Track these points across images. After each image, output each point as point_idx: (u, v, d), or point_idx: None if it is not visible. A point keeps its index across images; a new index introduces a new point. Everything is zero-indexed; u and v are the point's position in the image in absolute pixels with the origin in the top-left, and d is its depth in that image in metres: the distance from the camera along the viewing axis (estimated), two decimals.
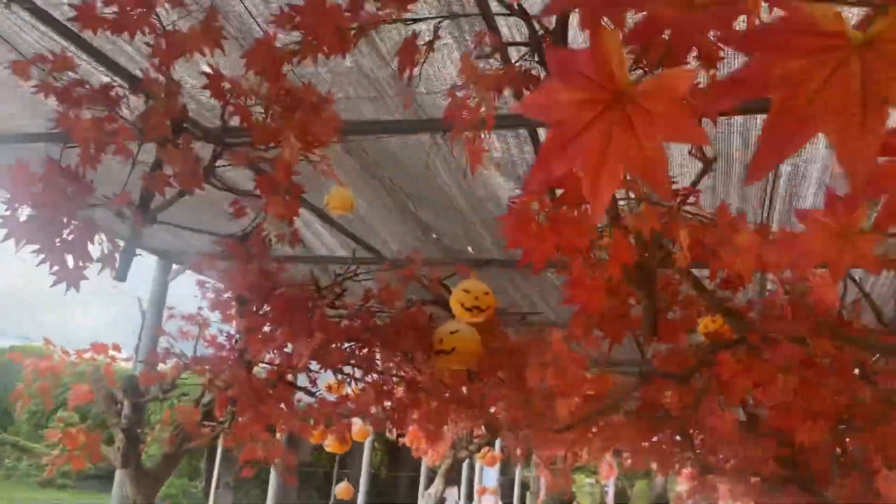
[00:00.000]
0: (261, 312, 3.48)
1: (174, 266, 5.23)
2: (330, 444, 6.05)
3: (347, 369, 3.98)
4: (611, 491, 21.18)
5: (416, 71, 1.78)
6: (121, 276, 2.19)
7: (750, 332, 2.32)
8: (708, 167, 1.69)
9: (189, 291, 4.19)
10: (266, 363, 3.87)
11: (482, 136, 1.70)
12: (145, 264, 5.24)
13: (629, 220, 1.49)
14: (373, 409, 4.00)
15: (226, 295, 3.76)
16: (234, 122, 2.16)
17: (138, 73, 2.58)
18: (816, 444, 2.28)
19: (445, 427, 9.38)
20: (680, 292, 2.57)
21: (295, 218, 2.28)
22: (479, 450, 9.15)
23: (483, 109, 1.70)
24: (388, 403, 3.95)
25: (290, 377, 3.86)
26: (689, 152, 1.88)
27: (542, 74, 1.66)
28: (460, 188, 3.76)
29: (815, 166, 3.32)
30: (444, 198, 3.98)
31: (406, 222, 4.39)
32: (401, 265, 3.36)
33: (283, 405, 3.78)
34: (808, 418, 2.12)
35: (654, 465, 6.89)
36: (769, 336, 2.15)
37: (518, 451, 9.98)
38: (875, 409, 2.30)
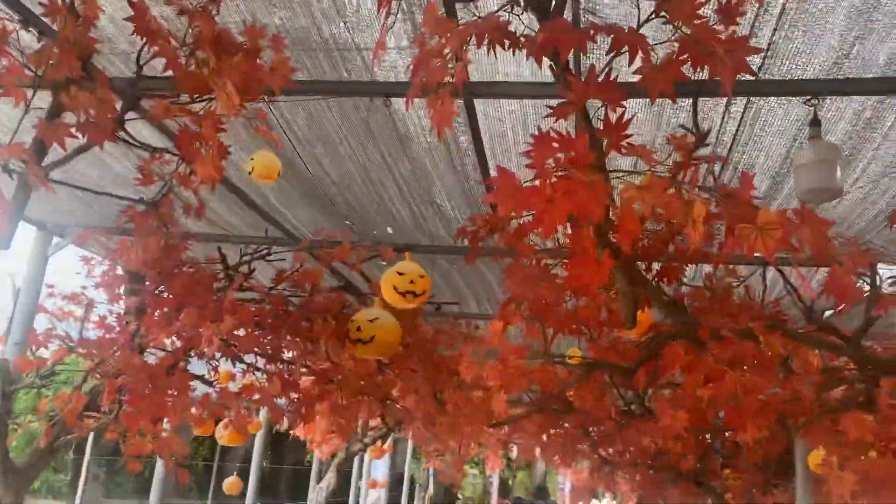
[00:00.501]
0: (160, 292, 3.14)
1: (55, 239, 4.72)
2: (224, 437, 5.68)
3: (249, 358, 3.70)
4: (495, 482, 21.48)
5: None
6: (4, 243, 1.86)
7: (691, 326, 2.25)
8: (701, 141, 1.58)
9: (71, 268, 3.77)
10: (159, 348, 3.53)
11: (450, 97, 1.51)
12: (19, 236, 4.72)
13: (632, 192, 1.35)
14: (277, 401, 3.74)
15: (116, 272, 3.39)
16: (152, 68, 1.87)
17: (32, 6, 2.21)
18: (755, 439, 2.24)
19: (342, 420, 9.14)
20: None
21: (217, 183, 2.01)
22: (373, 443, 8.96)
23: (452, 66, 1.52)
24: (294, 395, 3.70)
25: (186, 364, 3.54)
26: (681, 125, 1.76)
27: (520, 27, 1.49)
28: (387, 167, 3.54)
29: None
30: (365, 178, 3.75)
31: (317, 204, 4.12)
32: (319, 245, 3.12)
33: (178, 395, 3.46)
34: (753, 415, 2.07)
35: (556, 458, 6.93)
36: (717, 331, 2.09)
37: (432, 447, 9.87)
38: (814, 406, 2.29)
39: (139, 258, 2.89)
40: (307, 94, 2.89)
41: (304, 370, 3.65)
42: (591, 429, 6.41)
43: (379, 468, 12.57)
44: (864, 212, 3.79)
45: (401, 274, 2.84)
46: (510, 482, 32.50)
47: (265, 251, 3.20)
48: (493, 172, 3.00)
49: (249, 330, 2.98)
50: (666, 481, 6.20)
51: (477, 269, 4.68)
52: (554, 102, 1.50)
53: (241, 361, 3.65)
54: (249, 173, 2.89)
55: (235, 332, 2.87)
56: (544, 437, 6.82)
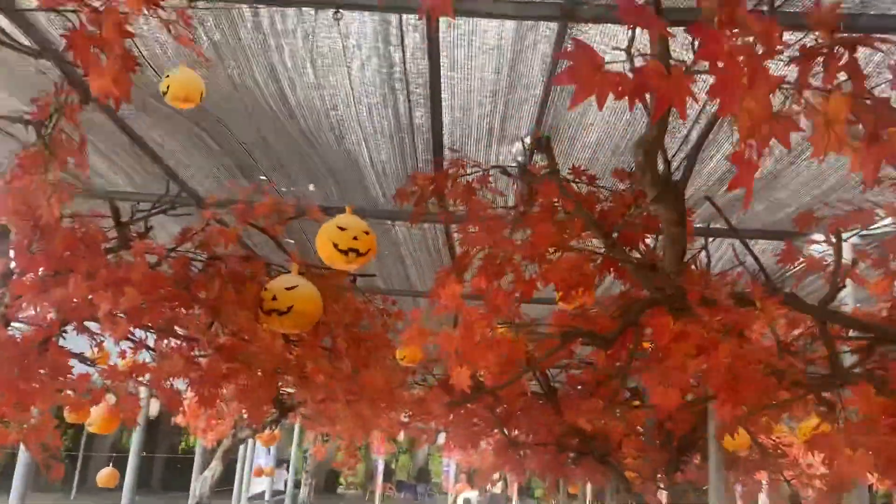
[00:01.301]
0: (33, 250, 2.60)
1: None
2: (96, 425, 5.05)
3: (140, 335, 3.20)
4: (380, 466, 21.22)
5: None
6: None
7: (677, 292, 2.02)
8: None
9: None
10: (25, 321, 2.97)
11: None
12: None
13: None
14: (170, 382, 3.26)
15: None
16: None
17: None
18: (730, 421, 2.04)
19: (224, 405, 8.54)
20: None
21: (121, 100, 1.57)
22: (264, 429, 8.44)
23: None
24: (194, 375, 3.22)
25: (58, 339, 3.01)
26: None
27: None
28: (306, 129, 3.11)
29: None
30: (282, 136, 3.31)
31: (220, 157, 3.63)
32: (231, 202, 2.68)
33: (52, 375, 2.94)
34: (737, 390, 1.86)
35: (461, 440, 6.71)
36: (707, 298, 1.87)
37: (322, 431, 9.42)
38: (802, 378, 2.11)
39: (7, 207, 2.37)
40: None
41: (206, 347, 3.19)
42: (498, 409, 6.25)
43: (265, 455, 11.99)
44: None
45: (342, 229, 2.45)
46: (392, 465, 32.36)
47: (166, 206, 2.72)
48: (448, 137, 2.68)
49: (150, 299, 2.51)
50: (570, 461, 6.11)
51: (392, 241, 4.33)
52: None
53: (128, 339, 3.15)
54: (164, 94, 2.39)
55: (137, 303, 2.39)
56: (451, 417, 6.60)
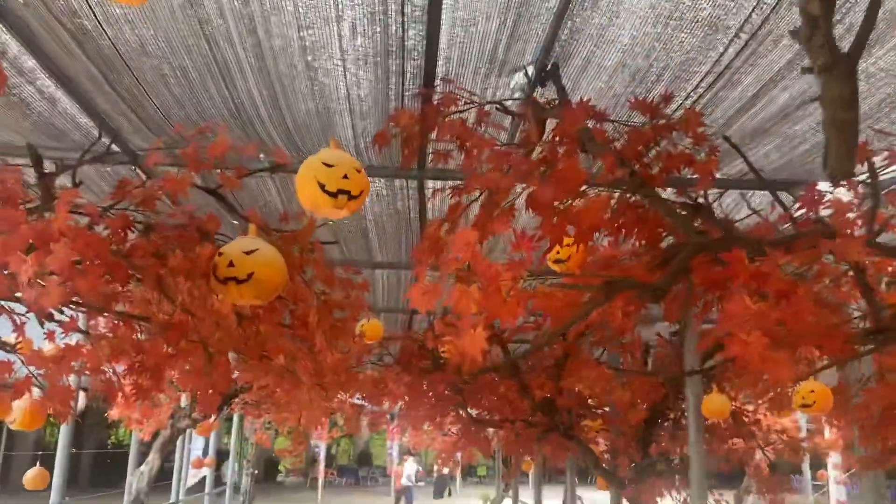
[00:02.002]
0: None
1: None
2: (19, 421, 4.48)
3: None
4: (322, 451, 20.74)
5: None
6: None
7: (735, 235, 1.71)
8: None
9: None
10: None
11: None
12: None
13: None
14: (109, 368, 2.80)
15: None
16: None
17: None
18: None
19: (163, 396, 7.97)
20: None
21: None
22: (205, 418, 7.91)
23: None
24: (135, 359, 2.77)
25: None
26: None
27: None
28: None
29: None
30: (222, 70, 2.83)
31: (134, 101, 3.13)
32: (180, 144, 2.24)
33: None
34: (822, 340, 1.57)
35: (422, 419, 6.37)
36: (773, 240, 1.57)
37: (265, 418, 8.92)
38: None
39: None
40: None
41: (149, 327, 2.74)
42: (460, 386, 5.94)
43: (203, 445, 11.41)
44: None
45: (328, 166, 2.02)
46: (332, 450, 31.86)
47: (102, 153, 2.26)
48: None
49: (88, 265, 2.05)
50: (537, 437, 5.86)
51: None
52: None
53: (54, 319, 2.68)
54: None
55: (68, 262, 1.93)
56: (406, 398, 6.25)
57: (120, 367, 2.87)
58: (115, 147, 2.85)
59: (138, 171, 3.10)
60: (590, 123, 2.07)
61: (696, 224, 1.85)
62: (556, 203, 1.70)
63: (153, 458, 7.34)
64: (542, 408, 5.83)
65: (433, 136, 2.20)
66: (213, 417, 8.67)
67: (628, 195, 1.96)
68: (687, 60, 2.43)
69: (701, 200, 1.85)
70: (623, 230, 1.96)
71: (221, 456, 13.99)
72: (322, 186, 1.94)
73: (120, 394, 2.76)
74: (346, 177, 1.96)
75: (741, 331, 1.39)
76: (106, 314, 2.81)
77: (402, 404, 6.97)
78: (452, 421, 6.26)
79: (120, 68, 2.67)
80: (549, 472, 9.46)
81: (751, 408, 6.13)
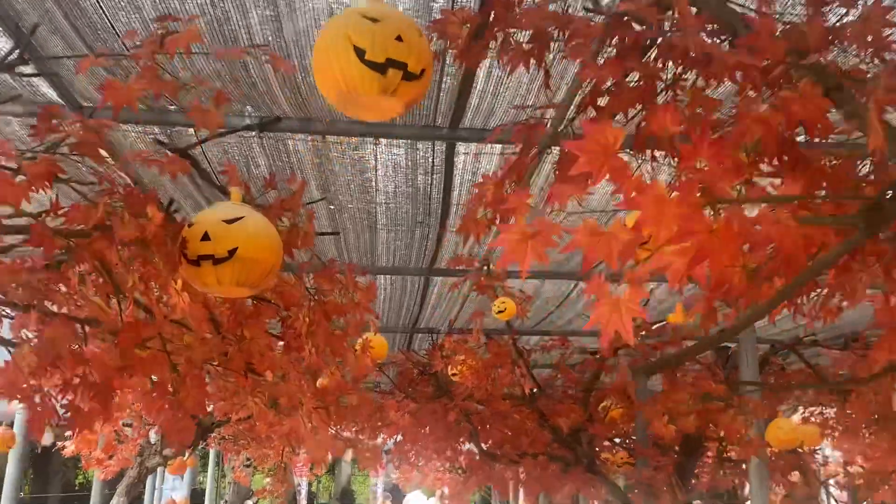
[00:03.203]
0: None
1: None
2: None
3: None
4: (304, 488, 19.64)
5: None
6: None
7: None
8: None
9: None
10: None
11: None
12: None
13: None
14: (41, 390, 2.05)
15: None
16: None
17: None
18: None
19: (129, 430, 7.09)
20: None
21: None
22: (175, 456, 7.04)
23: None
24: (75, 376, 2.02)
25: None
26: None
27: None
28: None
29: None
30: None
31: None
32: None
33: None
34: None
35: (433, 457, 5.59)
36: None
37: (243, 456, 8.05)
38: None
39: None
40: None
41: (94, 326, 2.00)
42: (471, 415, 5.18)
43: (177, 486, 10.48)
44: None
45: (373, 21, 1.26)
46: (313, 487, 30.52)
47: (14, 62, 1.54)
48: None
49: None
50: (563, 471, 5.10)
51: (360, 174, 3.04)
52: None
53: None
54: None
55: None
56: (406, 429, 5.46)
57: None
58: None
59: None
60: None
61: None
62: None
63: (117, 502, 6.47)
64: (563, 439, 5.09)
65: (495, 47, 1.52)
66: (187, 454, 7.80)
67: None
68: None
69: None
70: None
71: (197, 497, 12.97)
72: (361, 54, 1.20)
73: (50, 422, 2.00)
74: (399, 38, 1.22)
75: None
76: (37, 313, 2.06)
77: (396, 437, 6.20)
78: (461, 455, 5.49)
79: None
80: None
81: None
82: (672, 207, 0.94)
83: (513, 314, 3.61)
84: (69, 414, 2.05)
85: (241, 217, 1.86)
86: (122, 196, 1.70)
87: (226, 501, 12.76)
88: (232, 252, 1.81)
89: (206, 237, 1.81)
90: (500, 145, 2.59)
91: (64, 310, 2.07)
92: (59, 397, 2.06)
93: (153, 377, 1.92)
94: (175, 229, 1.85)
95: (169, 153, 2.00)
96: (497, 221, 1.84)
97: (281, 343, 2.55)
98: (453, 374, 4.68)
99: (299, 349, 2.35)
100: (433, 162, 2.72)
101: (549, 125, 1.59)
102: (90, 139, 1.58)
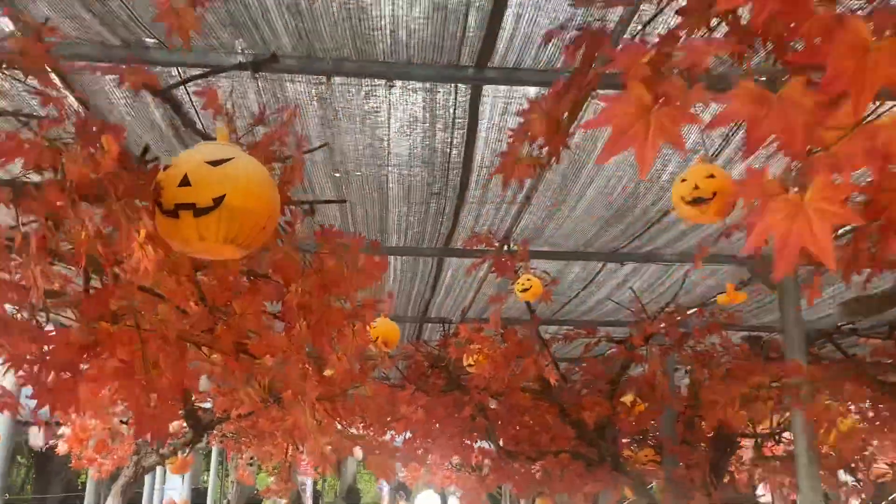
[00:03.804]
0: None
1: None
2: None
3: None
4: (309, 487, 19.29)
5: None
6: None
7: None
8: None
9: None
10: None
11: None
12: None
13: None
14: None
15: None
16: None
17: None
18: None
19: (124, 427, 6.75)
20: None
21: None
22: (175, 453, 6.69)
23: None
24: (30, 358, 1.67)
25: None
26: None
27: None
28: None
29: None
30: None
31: None
32: None
33: None
34: None
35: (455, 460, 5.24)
36: None
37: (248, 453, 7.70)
38: None
39: None
40: None
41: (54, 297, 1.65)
42: (486, 409, 4.82)
43: (177, 485, 10.15)
44: None
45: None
46: (318, 486, 30.15)
47: None
48: None
49: None
50: (588, 469, 4.75)
51: (370, 128, 2.66)
52: None
53: None
54: None
55: None
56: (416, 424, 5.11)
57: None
58: None
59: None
60: None
61: None
62: None
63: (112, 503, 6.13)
64: (587, 435, 4.72)
65: None
66: (186, 452, 7.45)
67: None
68: None
69: None
70: None
71: (199, 497, 12.64)
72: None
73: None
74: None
75: None
76: None
77: (405, 434, 5.84)
78: (475, 453, 5.13)
79: None
80: None
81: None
82: (882, 55, 0.59)
83: (538, 294, 3.25)
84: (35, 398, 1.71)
85: (230, 158, 1.51)
86: (79, 125, 1.35)
87: (228, 501, 12.42)
88: (218, 200, 1.46)
89: (185, 182, 1.46)
90: (535, 89, 2.23)
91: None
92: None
93: (122, 357, 1.56)
94: (147, 177, 1.50)
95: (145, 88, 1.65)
96: (547, 161, 1.49)
97: (281, 324, 2.20)
98: (469, 365, 4.33)
99: (291, 324, 1.99)
100: (454, 114, 2.37)
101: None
102: (33, 50, 1.23)
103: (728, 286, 3.37)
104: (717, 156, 2.70)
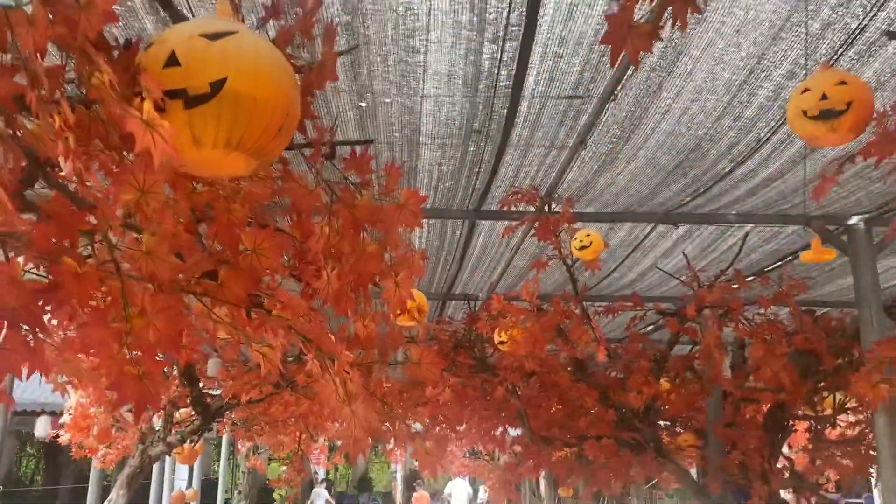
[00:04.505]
0: None
1: None
2: None
3: None
4: (321, 476, 18.96)
5: None
6: None
7: None
8: None
9: None
10: None
11: None
12: None
13: None
14: None
15: None
16: None
17: None
18: None
19: (129, 415, 6.39)
20: None
21: None
22: (182, 442, 6.35)
23: None
24: None
25: None
26: None
27: None
28: None
29: None
30: None
31: None
32: None
33: None
34: None
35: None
36: None
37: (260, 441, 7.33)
38: None
39: None
40: None
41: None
42: (518, 391, 4.43)
43: (186, 475, 9.83)
44: None
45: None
46: (330, 475, 29.89)
47: None
48: None
49: None
50: (631, 455, 4.35)
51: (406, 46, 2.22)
52: None
53: None
54: None
55: None
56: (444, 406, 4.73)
57: None
58: None
59: None
60: None
61: None
62: None
63: (117, 495, 5.79)
64: (628, 418, 4.33)
65: None
66: (195, 442, 7.10)
67: None
68: None
69: None
70: None
71: (210, 487, 12.33)
72: None
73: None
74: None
75: None
76: None
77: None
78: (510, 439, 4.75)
79: None
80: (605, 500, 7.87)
81: None
82: None
83: (599, 250, 2.84)
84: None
85: (233, 32, 1.11)
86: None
87: (240, 492, 12.13)
88: (217, 86, 1.07)
89: (173, 61, 1.07)
90: None
91: None
92: None
93: (92, 302, 1.18)
94: (126, 58, 1.10)
95: None
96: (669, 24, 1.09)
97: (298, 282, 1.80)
98: (501, 342, 3.93)
99: (316, 274, 1.59)
100: (508, 18, 1.95)
101: None
102: None
103: (813, 241, 2.95)
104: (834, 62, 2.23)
